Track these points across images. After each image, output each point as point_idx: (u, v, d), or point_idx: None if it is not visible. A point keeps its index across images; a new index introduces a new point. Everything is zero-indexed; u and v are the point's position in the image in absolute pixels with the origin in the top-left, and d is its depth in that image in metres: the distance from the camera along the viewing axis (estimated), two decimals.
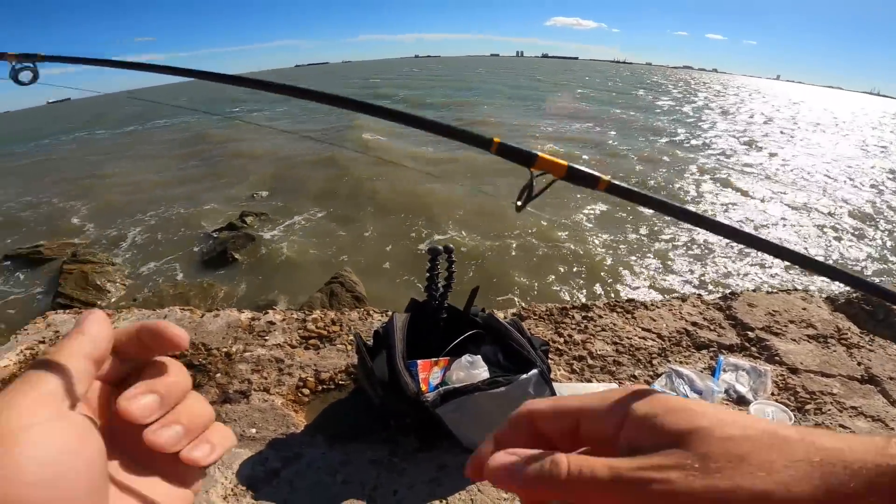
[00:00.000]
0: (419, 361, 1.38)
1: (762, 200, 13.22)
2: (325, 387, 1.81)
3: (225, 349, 1.98)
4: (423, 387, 1.33)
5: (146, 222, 11.38)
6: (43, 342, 2.10)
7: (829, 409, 1.74)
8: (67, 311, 2.43)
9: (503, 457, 0.27)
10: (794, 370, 1.91)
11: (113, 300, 7.54)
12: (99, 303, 7.24)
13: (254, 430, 1.62)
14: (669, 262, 9.27)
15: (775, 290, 2.48)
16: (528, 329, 2.03)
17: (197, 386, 1.81)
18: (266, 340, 2.03)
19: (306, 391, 1.78)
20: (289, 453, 1.52)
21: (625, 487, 0.24)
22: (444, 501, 1.35)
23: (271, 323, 2.13)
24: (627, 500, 0.24)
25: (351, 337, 2.00)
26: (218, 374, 1.86)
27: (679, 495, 0.22)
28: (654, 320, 2.13)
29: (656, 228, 10.54)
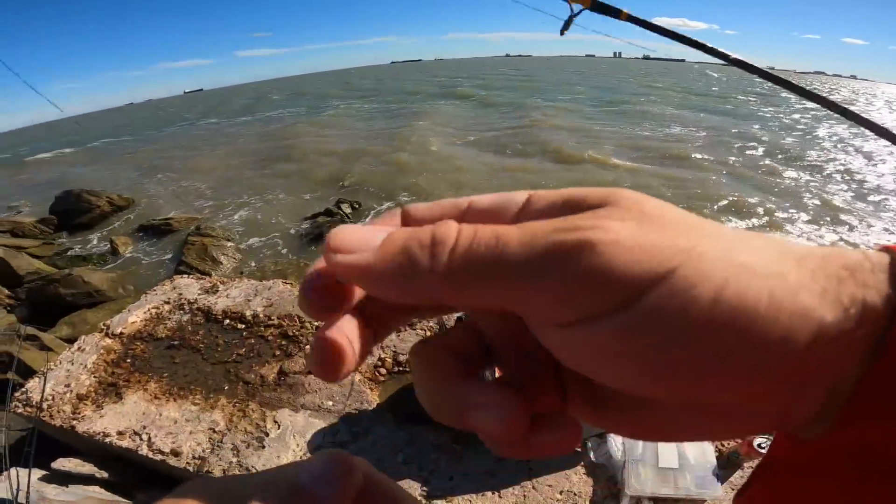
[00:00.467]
0: None
1: None
2: (401, 368, 1.90)
3: (317, 322, 2.15)
4: None
5: (254, 205, 12.43)
6: (167, 303, 2.41)
7: None
8: (190, 276, 2.77)
9: (355, 231, 0.18)
10: None
11: (225, 271, 8.39)
12: (213, 273, 8.10)
13: (330, 403, 1.75)
14: None
15: None
16: None
17: (288, 355, 1.99)
18: None
19: (383, 371, 1.89)
20: (358, 428, 1.63)
21: (542, 257, 0.16)
22: (496, 494, 1.39)
23: None
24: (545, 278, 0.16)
25: (430, 323, 2.08)
26: (308, 346, 2.03)
27: (630, 250, 0.15)
28: None
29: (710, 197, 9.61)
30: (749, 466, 1.45)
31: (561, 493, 1.37)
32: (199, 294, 2.50)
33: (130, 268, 9.01)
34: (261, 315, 2.26)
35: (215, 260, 8.57)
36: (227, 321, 2.25)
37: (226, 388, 1.86)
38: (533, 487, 1.39)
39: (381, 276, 0.17)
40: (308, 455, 1.54)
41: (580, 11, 2.02)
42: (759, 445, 1.39)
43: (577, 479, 1.41)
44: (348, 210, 11.06)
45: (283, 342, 2.09)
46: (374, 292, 0.18)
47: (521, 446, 0.18)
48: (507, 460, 1.45)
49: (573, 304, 0.16)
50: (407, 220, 0.20)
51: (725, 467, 1.43)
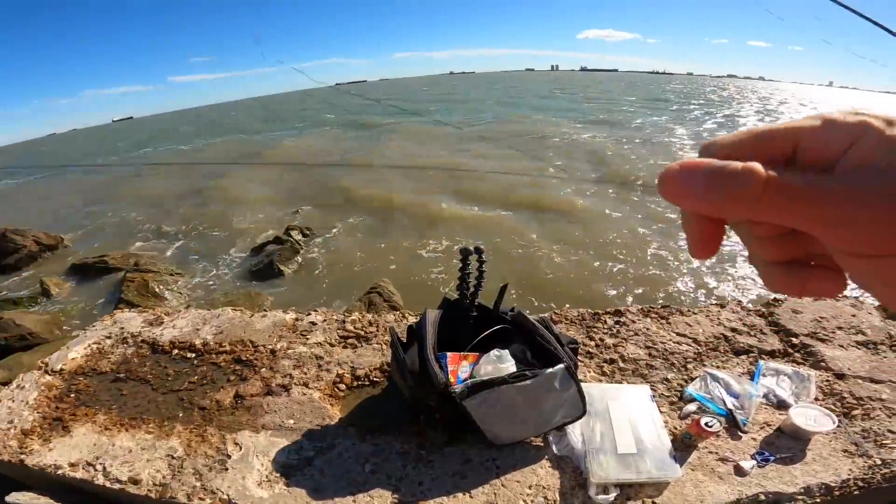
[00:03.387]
0: (449, 354, 1.43)
1: None
2: (360, 383, 1.89)
3: (270, 346, 2.10)
4: (452, 379, 1.39)
5: (196, 237, 12.00)
6: (109, 337, 2.29)
7: (878, 415, 1.66)
8: (132, 308, 2.64)
9: (682, 162, 0.23)
10: (840, 376, 1.84)
11: (170, 306, 8.01)
12: (152, 309, 7.71)
13: (291, 421, 1.71)
14: (709, 271, 8.98)
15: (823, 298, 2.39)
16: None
17: (243, 379, 1.93)
18: (308, 339, 2.14)
19: (342, 386, 1.87)
20: (322, 443, 1.60)
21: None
22: (467, 494, 1.39)
23: (313, 323, 2.24)
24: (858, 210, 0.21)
25: (386, 338, 2.08)
26: (263, 370, 1.98)
27: None
28: (690, 325, 2.10)
29: None
30: (703, 446, 1.52)
31: (530, 487, 1.39)
32: (142, 327, 2.40)
33: (65, 309, 8.42)
34: (211, 343, 2.19)
35: (158, 295, 8.16)
36: (176, 351, 2.17)
37: (180, 415, 1.78)
38: (502, 485, 1.41)
39: (710, 196, 0.22)
40: (274, 474, 1.50)
41: None
42: (706, 425, 1.46)
43: (544, 473, 1.44)
44: (299, 237, 10.86)
45: (237, 367, 2.03)
46: (703, 210, 0.23)
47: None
48: (474, 461, 1.47)
49: (877, 243, 0.21)
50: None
51: (681, 449, 1.49)
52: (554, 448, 1.48)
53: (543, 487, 1.40)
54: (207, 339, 2.20)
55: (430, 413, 1.51)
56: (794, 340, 2.02)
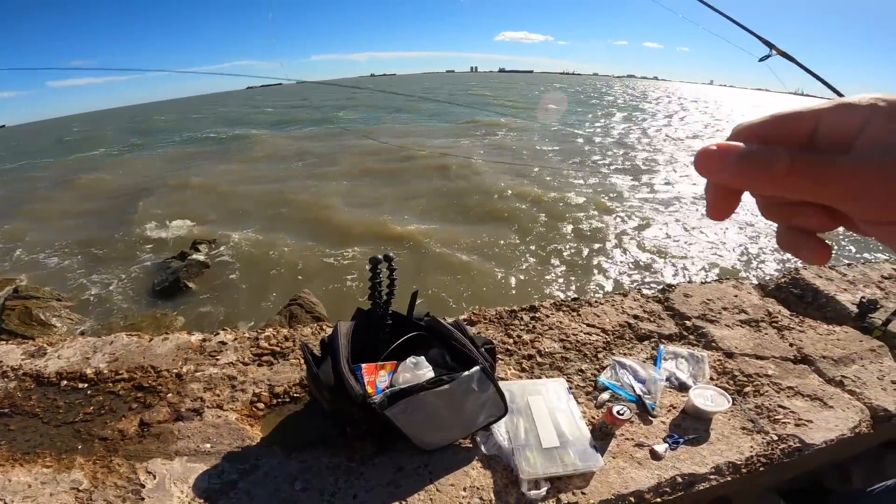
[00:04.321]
0: (363, 365, 1.40)
1: None
2: (279, 400, 1.80)
3: (175, 370, 1.95)
4: (370, 389, 1.36)
5: (95, 255, 10.90)
6: None
7: (767, 391, 1.84)
8: (11, 340, 2.34)
9: (715, 145, 0.27)
10: (729, 354, 2.03)
11: (61, 334, 7.17)
12: (34, 339, 6.88)
13: (208, 446, 1.60)
14: (611, 262, 9.65)
15: (709, 280, 2.63)
16: (479, 332, 2.09)
17: (147, 406, 1.78)
18: (218, 360, 2.01)
19: (261, 405, 1.78)
20: (245, 465, 1.51)
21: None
22: (403, 502, 1.37)
23: (223, 343, 2.11)
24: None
25: (298, 351, 2.01)
26: (169, 395, 1.83)
27: None
28: (598, 316, 2.22)
29: (600, 233, 10.97)
30: (620, 434, 1.60)
31: (464, 489, 1.40)
32: (23, 359, 2.13)
33: None
34: (105, 371, 1.99)
35: (45, 323, 7.32)
36: (65, 382, 1.95)
37: (79, 447, 1.62)
38: (437, 490, 1.40)
39: (742, 174, 0.26)
40: (196, 500, 1.39)
41: None
42: (618, 413, 1.53)
43: (476, 474, 1.45)
44: (206, 251, 10.21)
45: (139, 394, 1.86)
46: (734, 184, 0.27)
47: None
48: (406, 468, 1.45)
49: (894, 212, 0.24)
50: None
51: (600, 438, 1.56)
52: (483, 448, 1.50)
53: (478, 488, 1.41)
54: (100, 368, 2.00)
55: (355, 425, 1.47)
56: (688, 323, 2.20)
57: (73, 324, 7.70)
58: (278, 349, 2.04)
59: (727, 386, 1.86)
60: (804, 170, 0.25)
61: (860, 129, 0.25)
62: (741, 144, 0.26)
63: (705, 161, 0.26)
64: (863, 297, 2.44)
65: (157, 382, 1.90)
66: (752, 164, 0.25)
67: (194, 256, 9.65)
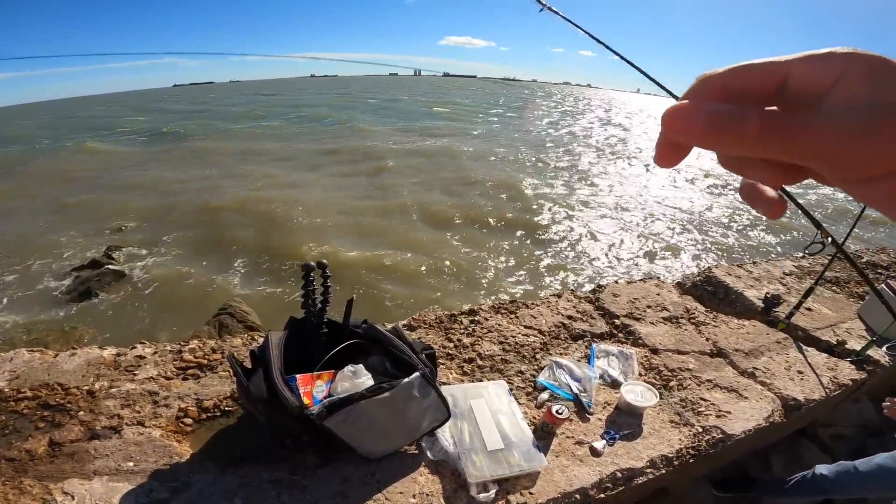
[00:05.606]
0: (298, 376, 1.35)
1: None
2: (209, 414, 1.69)
3: (86, 387, 1.78)
4: (307, 400, 1.31)
5: None
6: None
7: (689, 384, 1.96)
8: None
9: (682, 104, 0.25)
10: (654, 350, 2.15)
11: None
12: None
13: (131, 464, 1.48)
14: (546, 264, 10.00)
15: (634, 280, 2.78)
16: (420, 338, 2.08)
17: (56, 425, 1.61)
18: (136, 375, 1.85)
19: (188, 420, 1.66)
20: (176, 482, 1.40)
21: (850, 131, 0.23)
22: None
23: (140, 357, 1.95)
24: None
25: (227, 365, 1.90)
26: (81, 413, 1.67)
27: None
28: (535, 317, 2.28)
29: (536, 235, 11.34)
30: (561, 432, 1.64)
31: (414, 496, 1.37)
32: None
33: None
34: (6, 390, 1.79)
35: None
36: None
37: None
38: (386, 499, 1.36)
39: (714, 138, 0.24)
40: None
41: None
42: (556, 412, 1.57)
43: (424, 480, 1.43)
44: (122, 258, 9.46)
45: (46, 413, 1.68)
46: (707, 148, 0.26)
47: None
48: (352, 479, 1.40)
49: (866, 170, 0.23)
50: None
51: (542, 438, 1.59)
52: (429, 454, 1.49)
53: (427, 494, 1.39)
54: (0, 387, 1.79)
55: (295, 437, 1.40)
56: (617, 322, 2.31)
57: None
58: (205, 362, 1.92)
59: (654, 381, 1.96)
60: (774, 132, 0.24)
61: (834, 83, 0.25)
62: (706, 105, 0.25)
63: (672, 122, 0.25)
64: (767, 293, 2.67)
65: (66, 400, 1.73)
66: (721, 127, 0.24)
67: (109, 266, 8.91)
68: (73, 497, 1.35)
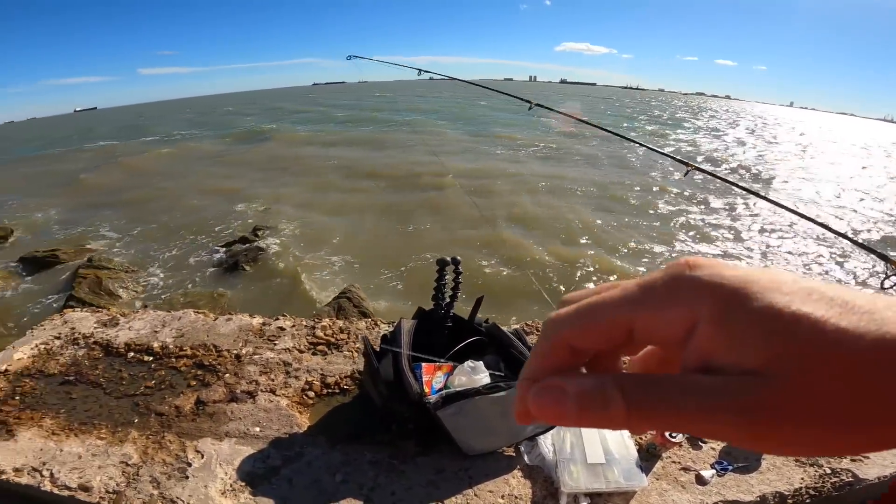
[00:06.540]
0: (423, 364, 1.41)
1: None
2: (329, 391, 1.84)
3: (235, 351, 2.03)
4: (426, 389, 1.37)
5: (157, 234, 11.56)
6: (58, 338, 2.16)
7: None
8: (85, 308, 2.51)
9: (547, 390, 0.23)
10: None
11: (125, 305, 7.66)
12: (107, 308, 7.36)
13: (257, 429, 1.65)
14: None
15: None
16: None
17: (205, 384, 1.86)
18: (275, 345, 2.08)
19: (311, 394, 1.82)
20: (290, 452, 1.55)
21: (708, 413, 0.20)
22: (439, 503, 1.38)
23: (281, 328, 2.18)
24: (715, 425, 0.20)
25: (358, 345, 2.04)
26: (227, 375, 1.91)
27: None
28: None
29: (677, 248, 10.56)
30: (667, 456, 1.55)
31: (502, 497, 1.39)
32: (95, 328, 2.28)
33: (9, 304, 7.95)
34: (171, 346, 2.10)
35: (113, 293, 7.81)
36: (132, 354, 2.07)
37: (136, 420, 1.70)
38: (475, 495, 1.40)
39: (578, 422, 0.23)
40: (239, 483, 1.44)
41: None
42: (670, 435, 1.49)
43: (516, 483, 1.44)
44: (266, 237, 10.62)
45: (199, 372, 1.95)
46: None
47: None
48: (446, 470, 1.45)
49: (752, 448, 0.21)
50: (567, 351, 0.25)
51: (647, 459, 1.52)
52: (526, 458, 1.49)
53: (515, 497, 1.39)
54: (167, 343, 2.11)
55: (402, 423, 1.48)
56: None
57: (136, 296, 8.20)
58: (333, 340, 2.09)
59: None
60: (640, 416, 0.21)
61: (686, 332, 0.22)
62: (570, 386, 0.23)
63: (541, 409, 0.23)
64: None
65: (217, 362, 1.99)
66: (589, 413, 0.22)
67: (254, 242, 10.07)
68: (202, 456, 1.55)
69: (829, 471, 1.55)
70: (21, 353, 2.05)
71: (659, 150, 2.80)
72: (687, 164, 2.38)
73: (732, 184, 2.43)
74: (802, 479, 1.51)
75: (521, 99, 3.04)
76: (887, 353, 0.18)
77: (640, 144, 2.84)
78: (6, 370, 1.94)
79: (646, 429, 0.22)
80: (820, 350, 0.19)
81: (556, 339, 0.25)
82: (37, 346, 2.11)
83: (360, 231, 11.53)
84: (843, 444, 0.20)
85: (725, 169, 20.57)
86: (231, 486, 1.44)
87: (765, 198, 2.33)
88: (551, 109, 2.94)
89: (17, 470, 1.49)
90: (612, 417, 0.21)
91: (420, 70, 3.53)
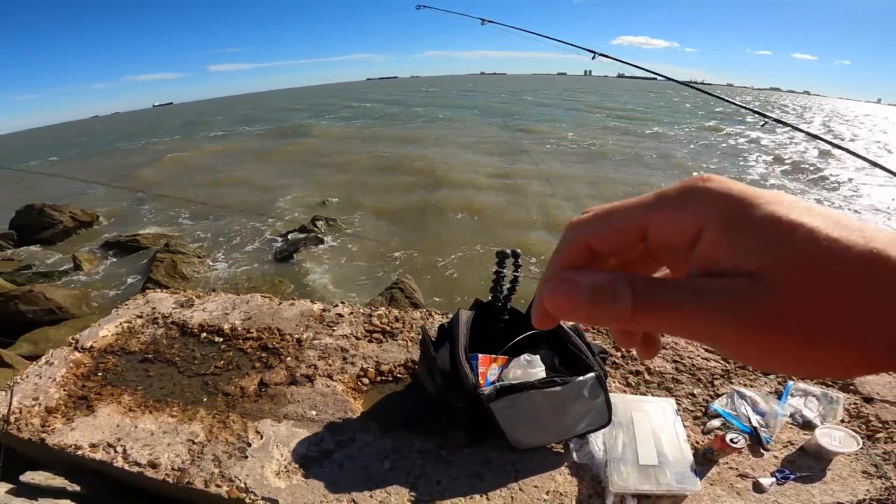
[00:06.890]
0: (480, 356, 1.44)
1: None
2: (383, 378, 1.90)
3: (297, 335, 2.14)
4: (481, 381, 1.39)
5: (225, 222, 12.22)
6: (140, 317, 2.35)
7: None
8: (164, 289, 2.71)
9: (561, 284, 0.24)
10: (868, 399, 1.81)
11: (196, 288, 8.18)
12: (183, 290, 7.87)
13: (314, 413, 1.74)
14: None
15: None
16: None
17: (268, 367, 1.97)
18: (334, 331, 2.16)
19: (366, 380, 1.89)
20: (343, 437, 1.62)
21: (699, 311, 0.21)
22: (484, 496, 1.40)
23: (340, 315, 2.27)
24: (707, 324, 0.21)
25: (412, 334, 2.10)
26: (288, 358, 2.01)
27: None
28: None
29: None
30: (723, 462, 1.50)
31: (547, 493, 1.40)
32: (173, 308, 2.46)
33: (95, 285, 8.68)
34: (239, 328, 2.23)
35: (186, 277, 8.35)
36: (204, 335, 2.21)
37: (204, 399, 1.82)
38: (520, 489, 1.41)
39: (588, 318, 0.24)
40: (293, 464, 1.53)
41: None
42: (731, 440, 1.44)
43: (562, 480, 1.44)
44: (324, 227, 10.98)
45: (263, 354, 2.06)
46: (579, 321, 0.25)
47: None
48: (493, 463, 1.47)
49: (747, 357, 0.22)
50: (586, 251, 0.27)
51: (702, 463, 1.48)
52: (574, 455, 1.48)
53: (560, 494, 1.40)
54: (236, 325, 2.24)
55: (452, 413, 1.51)
56: None
57: (208, 280, 8.74)
58: (388, 329, 2.15)
59: (858, 430, 1.67)
60: (646, 313, 0.22)
61: (695, 236, 0.23)
62: (584, 279, 0.24)
63: (556, 303, 0.24)
64: None
65: (280, 345, 2.09)
66: (598, 308, 0.23)
67: (313, 232, 10.45)
68: (261, 437, 1.63)
69: None
70: (106, 331, 2.23)
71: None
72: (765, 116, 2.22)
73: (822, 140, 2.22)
74: (868, 490, 1.43)
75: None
76: (870, 265, 0.19)
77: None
78: (91, 346, 2.13)
79: (648, 327, 0.23)
80: (811, 258, 0.20)
81: (575, 240, 0.27)
82: (121, 324, 2.30)
83: (402, 224, 11.69)
84: (814, 363, 0.21)
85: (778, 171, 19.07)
86: (286, 467, 1.51)
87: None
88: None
89: (93, 446, 1.60)
90: (619, 313, 0.22)
91: (483, 20, 3.44)
